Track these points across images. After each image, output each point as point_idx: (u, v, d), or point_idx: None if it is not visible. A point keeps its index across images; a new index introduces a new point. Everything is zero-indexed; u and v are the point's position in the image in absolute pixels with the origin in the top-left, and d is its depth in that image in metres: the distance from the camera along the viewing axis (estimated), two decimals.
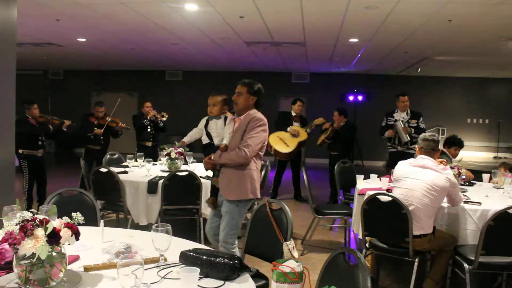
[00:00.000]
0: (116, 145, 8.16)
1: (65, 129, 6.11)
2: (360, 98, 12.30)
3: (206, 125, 3.95)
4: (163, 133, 7.34)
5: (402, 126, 6.09)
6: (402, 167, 3.46)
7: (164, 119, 7.00)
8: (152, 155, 6.15)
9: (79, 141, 6.63)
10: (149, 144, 6.99)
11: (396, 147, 6.22)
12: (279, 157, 6.84)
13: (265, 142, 3.24)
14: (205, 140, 3.90)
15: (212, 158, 3.30)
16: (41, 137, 5.80)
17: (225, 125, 3.68)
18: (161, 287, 1.72)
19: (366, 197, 3.50)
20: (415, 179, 3.29)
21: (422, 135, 3.55)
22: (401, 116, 6.23)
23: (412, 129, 6.04)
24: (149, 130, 7.00)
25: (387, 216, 3.33)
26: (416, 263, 3.26)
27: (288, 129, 6.75)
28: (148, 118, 6.95)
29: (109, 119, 6.58)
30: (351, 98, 12.35)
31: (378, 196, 3.35)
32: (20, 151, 5.65)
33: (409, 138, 6.04)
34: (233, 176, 3.19)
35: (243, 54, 9.54)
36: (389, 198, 3.27)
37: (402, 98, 6.24)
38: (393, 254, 3.47)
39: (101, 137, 6.58)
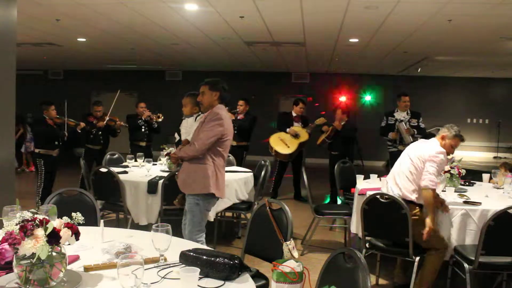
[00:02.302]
0: (116, 145, 8.15)
1: (80, 131, 6.21)
2: (360, 98, 12.29)
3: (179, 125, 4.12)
4: (156, 134, 7.26)
5: (406, 127, 6.05)
6: None
7: (159, 120, 6.96)
8: (146, 155, 6.13)
9: (78, 141, 6.66)
10: (143, 144, 6.95)
11: (397, 147, 6.20)
12: (280, 158, 6.83)
13: (222, 137, 3.24)
14: (177, 137, 4.03)
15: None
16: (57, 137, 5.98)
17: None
18: (161, 287, 1.72)
19: (366, 197, 3.50)
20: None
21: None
22: (401, 116, 6.19)
23: (415, 130, 6.01)
24: (143, 130, 6.97)
25: (387, 216, 3.33)
26: (416, 263, 3.26)
27: (288, 130, 6.75)
28: (143, 119, 6.93)
29: (108, 118, 6.58)
30: (351, 98, 12.34)
31: (377, 196, 3.36)
32: (36, 150, 5.87)
33: (412, 139, 6.00)
34: (190, 170, 3.30)
35: (243, 54, 9.54)
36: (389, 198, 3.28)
37: (404, 98, 6.20)
38: (393, 254, 3.47)
39: (101, 137, 6.59)
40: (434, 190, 3.31)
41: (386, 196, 3.34)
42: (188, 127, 4.07)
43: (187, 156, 3.30)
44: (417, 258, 3.27)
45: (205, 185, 3.22)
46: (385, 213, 3.34)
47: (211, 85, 3.35)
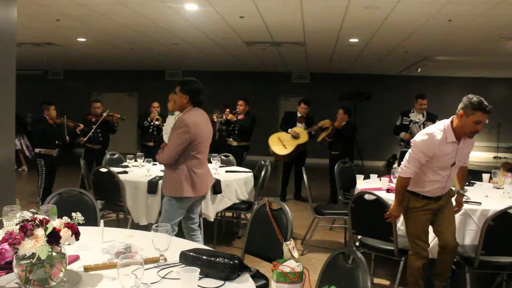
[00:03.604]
0: (116, 145, 8.16)
1: (79, 132, 6.24)
2: (360, 98, 12.27)
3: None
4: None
5: (418, 130, 5.99)
6: None
7: (157, 122, 6.95)
8: (154, 155, 6.15)
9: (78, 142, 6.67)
10: (151, 144, 6.99)
11: (408, 147, 6.15)
12: (277, 158, 6.84)
13: (192, 142, 3.22)
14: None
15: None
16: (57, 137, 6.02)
17: None
18: (161, 287, 1.72)
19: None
20: None
21: None
22: (417, 118, 6.12)
23: None
24: (150, 130, 7.00)
25: (372, 215, 3.34)
26: (402, 262, 3.27)
27: (289, 130, 6.75)
28: (148, 120, 6.95)
29: (106, 114, 6.58)
30: (351, 98, 12.31)
31: (363, 195, 3.38)
32: (37, 150, 5.90)
33: None
34: (167, 174, 3.35)
35: (243, 54, 9.54)
36: (373, 197, 3.30)
37: (421, 101, 6.11)
38: (380, 253, 3.47)
39: (99, 135, 6.57)
40: (402, 178, 3.07)
41: (372, 194, 3.33)
42: (167, 126, 3.99)
43: (163, 162, 3.35)
44: (403, 258, 3.26)
45: (178, 190, 3.26)
46: (370, 212, 3.35)
47: (181, 87, 3.30)
